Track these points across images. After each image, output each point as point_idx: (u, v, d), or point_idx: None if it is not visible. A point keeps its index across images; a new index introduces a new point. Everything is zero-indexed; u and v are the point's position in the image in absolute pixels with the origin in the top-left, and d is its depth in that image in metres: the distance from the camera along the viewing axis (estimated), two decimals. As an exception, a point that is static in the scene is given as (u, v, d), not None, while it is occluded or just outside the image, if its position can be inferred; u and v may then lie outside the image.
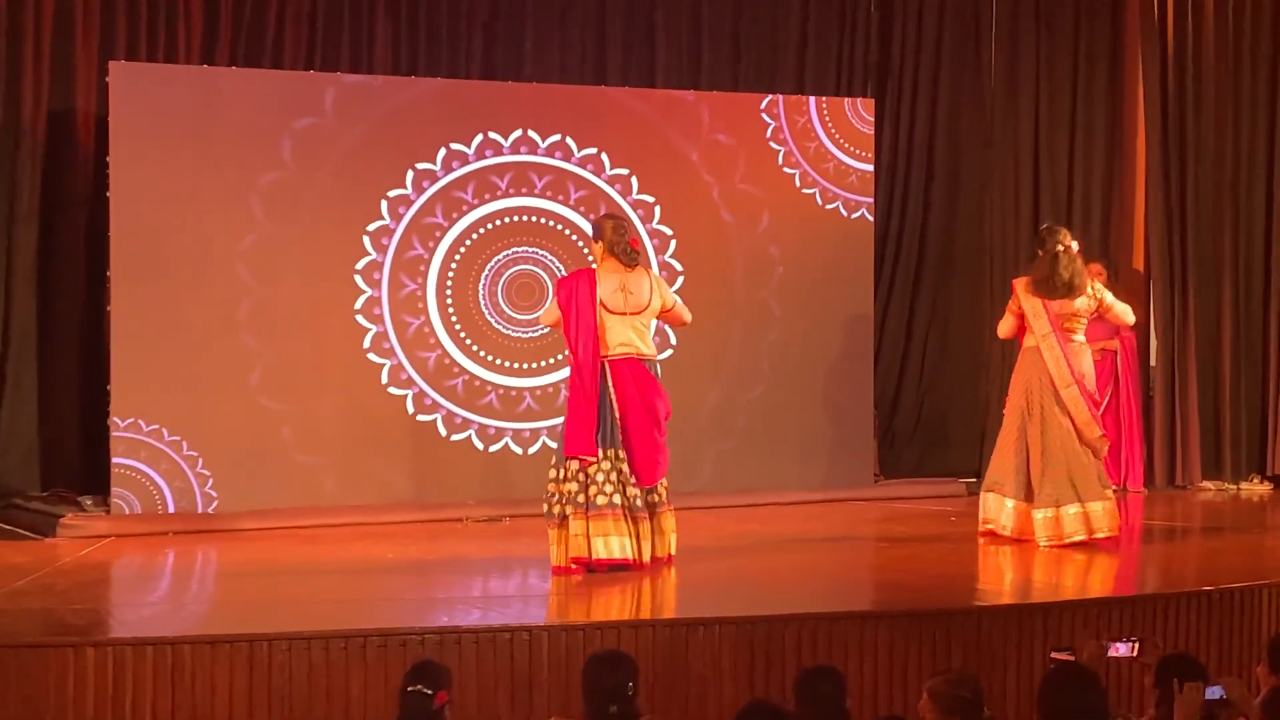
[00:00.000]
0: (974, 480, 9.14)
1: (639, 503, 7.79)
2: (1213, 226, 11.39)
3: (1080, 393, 8.63)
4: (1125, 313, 8.98)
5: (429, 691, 4.96)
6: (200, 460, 9.28)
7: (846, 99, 10.86)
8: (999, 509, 8.71)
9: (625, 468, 7.76)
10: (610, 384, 7.75)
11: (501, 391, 9.97)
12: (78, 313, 9.79)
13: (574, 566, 7.72)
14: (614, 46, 10.97)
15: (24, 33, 9.56)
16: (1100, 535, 8.57)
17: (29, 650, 6.01)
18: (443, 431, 9.86)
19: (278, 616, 6.77)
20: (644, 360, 7.89)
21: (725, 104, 10.52)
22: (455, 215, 9.83)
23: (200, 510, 9.28)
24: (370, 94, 9.69)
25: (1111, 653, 5.44)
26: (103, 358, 9.32)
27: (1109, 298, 8.84)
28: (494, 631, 6.38)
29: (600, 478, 7.75)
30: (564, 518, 7.75)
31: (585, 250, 8.20)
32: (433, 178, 9.78)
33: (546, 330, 9.74)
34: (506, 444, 9.96)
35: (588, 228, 8.22)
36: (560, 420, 8.15)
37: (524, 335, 9.90)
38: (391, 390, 9.74)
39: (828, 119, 10.63)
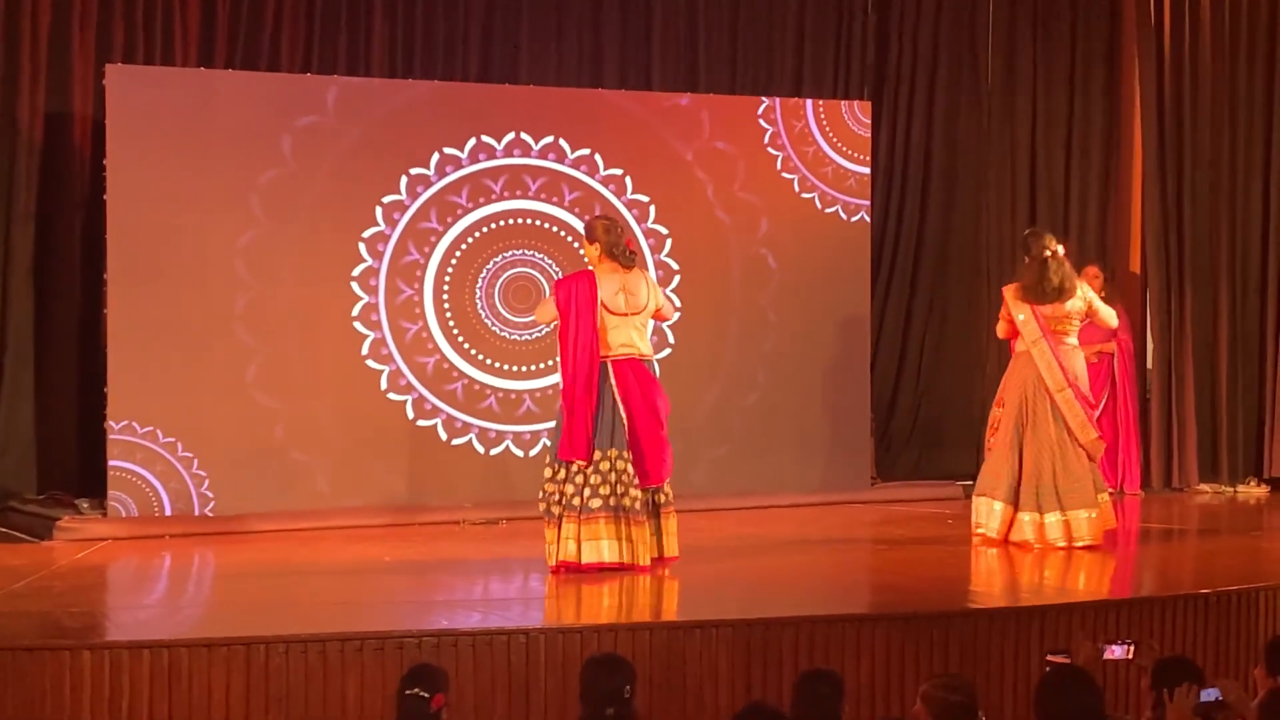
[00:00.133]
0: (970, 483, 9.14)
1: (637, 505, 7.80)
2: (1209, 229, 11.40)
3: (1075, 396, 8.64)
4: (1110, 316, 9.03)
5: (426, 695, 4.96)
6: (195, 461, 9.28)
7: (843, 102, 10.86)
8: (989, 513, 8.73)
9: (629, 468, 7.78)
10: (614, 384, 7.79)
11: (501, 395, 9.97)
12: (75, 315, 9.79)
13: (562, 571, 7.75)
14: (611, 49, 10.97)
15: (21, 35, 9.56)
16: (1081, 544, 8.59)
17: (25, 653, 6.00)
18: (443, 436, 9.86)
19: (275, 619, 6.77)
20: (644, 360, 7.94)
21: (722, 107, 10.51)
22: (450, 220, 9.83)
23: (197, 513, 9.28)
24: (363, 98, 9.68)
25: (1108, 655, 5.44)
26: (99, 360, 9.32)
27: (1096, 300, 8.88)
28: (491, 634, 6.37)
29: (596, 479, 7.76)
30: (560, 518, 7.77)
31: (580, 249, 8.19)
32: (426, 182, 9.78)
33: (544, 332, 9.74)
34: (507, 447, 9.96)
35: (582, 229, 8.23)
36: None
37: (522, 338, 9.90)
38: (391, 396, 9.74)
39: (825, 122, 10.64)
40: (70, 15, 9.69)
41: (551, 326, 8.16)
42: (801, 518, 9.91)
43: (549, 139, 10.01)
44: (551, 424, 8.21)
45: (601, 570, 7.75)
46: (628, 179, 10.19)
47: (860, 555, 8.96)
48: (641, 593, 7.65)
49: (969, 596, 7.78)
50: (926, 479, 11.22)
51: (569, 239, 9.97)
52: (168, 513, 9.22)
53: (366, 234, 9.66)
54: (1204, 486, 11.30)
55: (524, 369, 10.00)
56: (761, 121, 10.51)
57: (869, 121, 10.80)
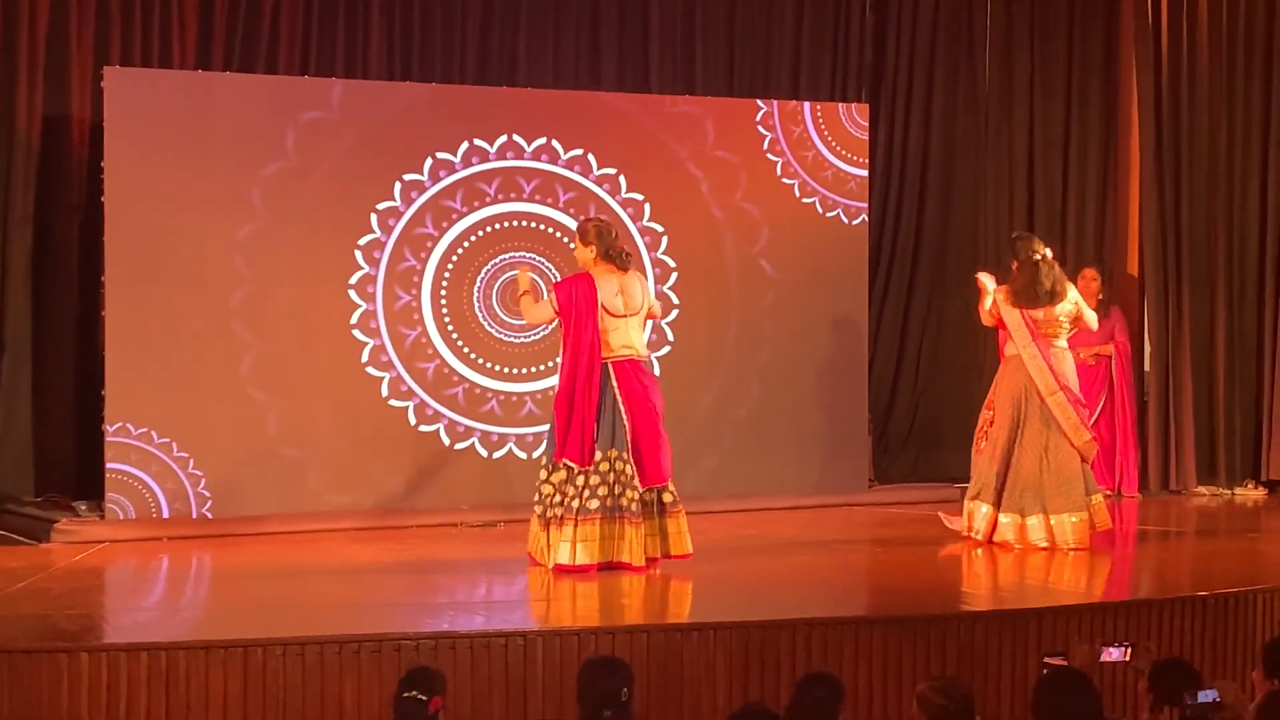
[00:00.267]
0: (968, 486, 9.15)
1: (634, 506, 7.82)
2: (1207, 232, 11.40)
3: (1066, 398, 8.67)
4: (1093, 320, 9.11)
5: (424, 697, 4.96)
6: (191, 461, 9.26)
7: (841, 104, 10.86)
8: (980, 516, 8.76)
9: (627, 469, 7.81)
10: (615, 386, 7.83)
11: (502, 397, 9.97)
12: (72, 317, 9.78)
13: (560, 573, 7.79)
14: (608, 51, 10.96)
15: (18, 38, 9.55)
16: (1067, 547, 8.60)
17: (22, 656, 6.00)
18: (446, 441, 9.85)
19: (272, 621, 6.77)
20: (643, 360, 8.02)
21: (719, 111, 10.49)
22: (445, 224, 9.83)
23: (195, 515, 9.27)
24: (358, 102, 9.62)
25: (1105, 657, 5.44)
26: (97, 362, 9.31)
27: (1083, 303, 8.96)
28: (489, 637, 6.38)
29: (595, 481, 7.80)
30: (560, 519, 7.79)
31: (573, 250, 8.19)
32: (421, 188, 9.77)
33: (543, 334, 9.74)
34: (510, 449, 9.95)
35: (575, 231, 8.24)
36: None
37: (521, 340, 9.89)
38: (393, 403, 9.73)
39: (823, 125, 10.63)
40: (68, 18, 9.68)
41: (551, 327, 8.20)
42: (799, 520, 9.91)
43: (541, 140, 10.00)
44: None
45: (598, 571, 7.78)
46: (621, 178, 10.18)
47: (858, 557, 8.96)
48: (639, 595, 7.65)
49: (966, 599, 7.78)
50: (924, 481, 11.22)
51: (565, 240, 9.96)
52: (165, 515, 9.22)
53: (362, 241, 9.65)
54: (1202, 489, 11.29)
55: (524, 371, 9.99)
56: (760, 128, 10.50)
57: (867, 124, 10.80)
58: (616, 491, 7.81)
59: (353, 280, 9.63)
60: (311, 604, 7.35)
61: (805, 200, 10.62)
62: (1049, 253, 8.83)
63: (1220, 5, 11.37)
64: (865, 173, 10.76)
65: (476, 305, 9.86)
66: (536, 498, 8.00)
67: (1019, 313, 8.71)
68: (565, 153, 10.06)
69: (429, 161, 9.78)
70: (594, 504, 7.78)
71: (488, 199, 9.91)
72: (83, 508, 9.30)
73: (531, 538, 8.03)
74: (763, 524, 9.73)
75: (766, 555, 8.72)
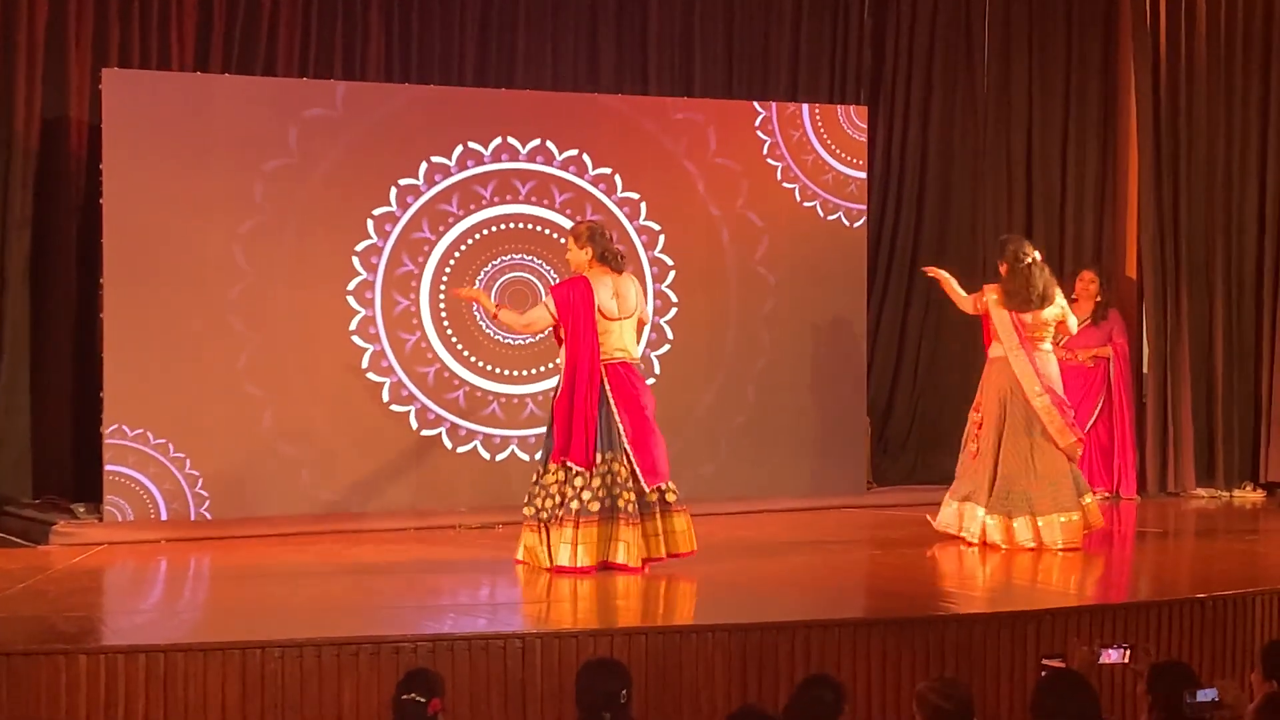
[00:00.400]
0: (952, 485, 9.19)
1: (630, 507, 7.85)
2: (1205, 234, 11.41)
3: (1051, 401, 8.71)
4: (1074, 324, 9.15)
5: (423, 699, 4.96)
6: (188, 461, 9.25)
7: (840, 106, 10.86)
8: (974, 518, 8.78)
9: (622, 471, 7.84)
10: (609, 389, 7.87)
11: (503, 400, 9.97)
12: (71, 319, 9.78)
13: (558, 575, 7.81)
14: (606, 53, 10.96)
15: (17, 40, 9.55)
16: (1054, 548, 8.62)
17: (20, 658, 6.00)
18: (448, 444, 9.85)
19: (271, 624, 6.77)
20: (635, 364, 8.06)
21: (717, 113, 10.48)
22: (442, 228, 9.82)
23: (194, 515, 9.27)
24: (352, 107, 9.60)
25: (1104, 659, 5.45)
26: (96, 364, 9.31)
27: (1068, 307, 9.02)
28: (487, 639, 6.38)
29: (595, 482, 7.82)
30: (560, 521, 7.81)
31: (567, 252, 8.19)
32: (416, 192, 9.76)
33: (543, 336, 9.73)
34: (513, 452, 9.94)
35: (570, 234, 8.25)
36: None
37: (521, 342, 9.88)
38: (394, 408, 9.73)
39: (821, 128, 10.63)
40: (66, 20, 9.68)
41: (546, 333, 8.22)
42: (798, 521, 9.91)
43: (536, 141, 9.99)
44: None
45: (596, 573, 7.80)
46: (617, 177, 10.18)
47: (856, 559, 8.96)
48: (637, 597, 7.66)
49: (965, 601, 7.78)
50: (923, 483, 11.20)
51: (561, 240, 9.95)
52: (164, 517, 9.21)
53: (360, 247, 9.65)
54: (1200, 491, 11.29)
55: (525, 373, 9.99)
56: (759, 133, 10.49)
57: (865, 126, 10.80)
58: (615, 493, 7.86)
59: (351, 286, 9.63)
60: (310, 606, 7.35)
61: (806, 204, 10.62)
62: (1038, 255, 8.86)
63: (1219, 7, 11.38)
64: (862, 174, 10.76)
65: (475, 308, 9.85)
66: (526, 499, 8.01)
67: (1009, 314, 8.74)
68: (560, 154, 10.06)
69: (424, 166, 9.77)
70: (595, 506, 7.83)
71: (484, 202, 9.91)
72: (81, 510, 9.29)
73: (525, 542, 8.03)
74: (761, 526, 9.73)
75: (765, 557, 8.72)
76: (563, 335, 7.99)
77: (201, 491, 9.29)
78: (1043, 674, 5.15)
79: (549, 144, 10.02)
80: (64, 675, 5.97)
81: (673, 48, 11.13)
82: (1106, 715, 5.23)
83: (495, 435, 9.94)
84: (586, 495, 7.83)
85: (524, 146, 9.97)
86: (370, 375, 9.67)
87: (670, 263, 10.32)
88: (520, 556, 8.08)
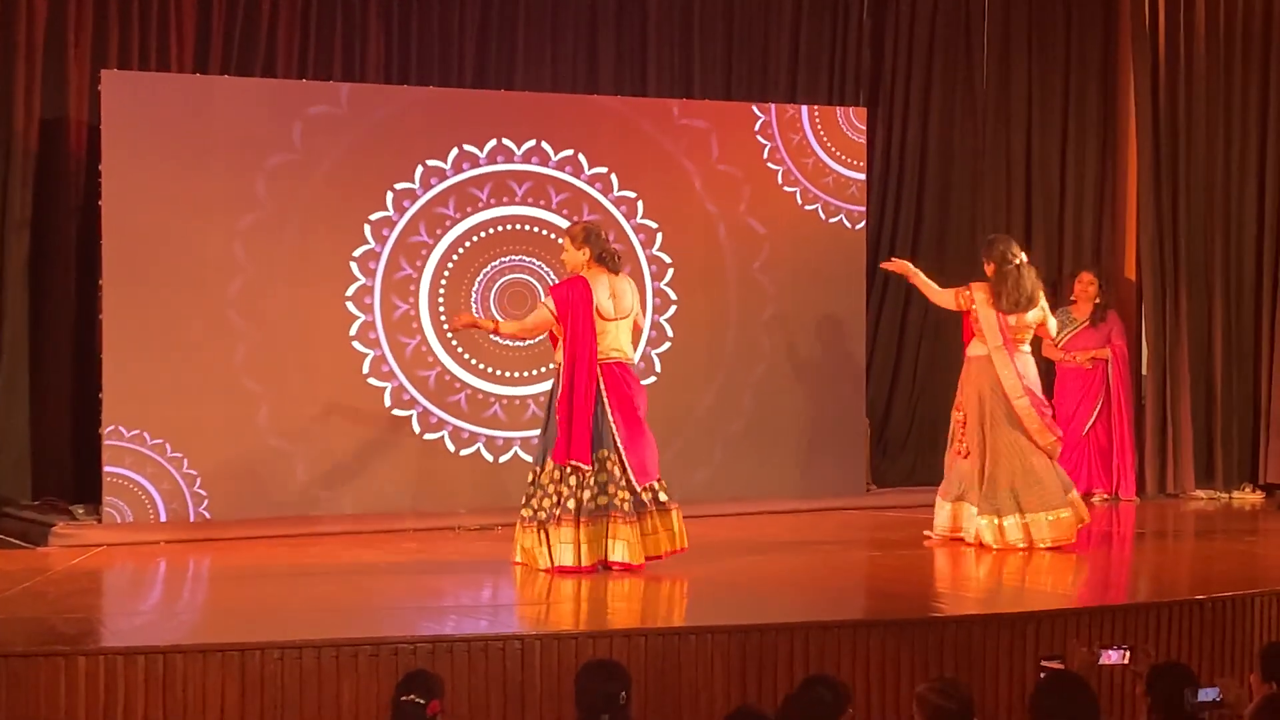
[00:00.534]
0: (942, 486, 9.20)
1: (627, 506, 7.89)
2: (1204, 235, 11.41)
3: (1031, 403, 8.74)
4: (1053, 326, 9.25)
5: (422, 701, 4.96)
6: (185, 461, 9.25)
7: (839, 108, 10.86)
8: (970, 518, 8.81)
9: (616, 470, 7.87)
10: (603, 389, 7.91)
11: (505, 401, 9.97)
12: (70, 320, 9.78)
13: (557, 575, 7.83)
14: (606, 55, 10.96)
15: (16, 41, 9.54)
16: (1042, 545, 8.64)
17: (19, 659, 6.00)
18: (451, 447, 9.85)
19: (270, 625, 6.77)
20: (630, 364, 8.12)
21: (716, 117, 10.47)
22: (439, 232, 9.82)
23: (192, 515, 9.27)
24: (346, 112, 9.57)
25: (1103, 660, 5.45)
26: (95, 365, 9.31)
27: (1048, 310, 9.06)
28: (486, 640, 6.38)
29: (592, 481, 7.87)
30: (559, 520, 7.83)
31: (562, 253, 8.19)
32: (413, 196, 9.76)
33: (542, 337, 9.72)
34: (516, 453, 9.93)
35: (567, 234, 8.25)
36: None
37: (520, 344, 9.88)
38: (396, 412, 9.73)
39: (821, 131, 10.62)
40: (65, 21, 9.68)
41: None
42: (797, 523, 9.91)
43: (531, 142, 9.99)
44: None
45: (595, 572, 7.82)
46: (613, 176, 10.17)
47: (855, 561, 8.96)
48: (637, 598, 7.67)
49: (964, 602, 7.78)
50: (922, 484, 11.18)
51: (559, 241, 9.94)
52: (163, 518, 9.21)
53: (357, 252, 9.65)
54: (1199, 492, 11.29)
55: (526, 374, 9.98)
56: (759, 138, 10.49)
57: (864, 127, 10.80)
58: (610, 492, 7.90)
59: (349, 292, 9.63)
60: (309, 607, 7.34)
61: (808, 207, 10.61)
62: (1025, 256, 8.90)
63: (1218, 8, 11.38)
64: (861, 176, 10.76)
65: (475, 310, 9.85)
66: (525, 501, 8.02)
67: (995, 315, 8.77)
68: (555, 154, 10.05)
69: (420, 169, 9.77)
70: (591, 505, 7.88)
71: (480, 204, 9.90)
72: (80, 511, 9.29)
73: (523, 543, 8.04)
74: (760, 527, 9.73)
75: (764, 558, 8.72)
76: (559, 335, 8.01)
77: (200, 490, 9.29)
78: (1042, 675, 5.15)
79: (544, 145, 10.01)
80: (63, 677, 5.97)
81: (672, 49, 11.13)
82: (1105, 717, 5.23)
83: (498, 437, 9.94)
84: (585, 494, 7.88)
85: (519, 148, 9.97)
86: (371, 381, 9.67)
87: (668, 260, 10.32)
88: (518, 558, 8.09)
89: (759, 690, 6.44)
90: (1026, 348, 8.91)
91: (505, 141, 9.93)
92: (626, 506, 7.90)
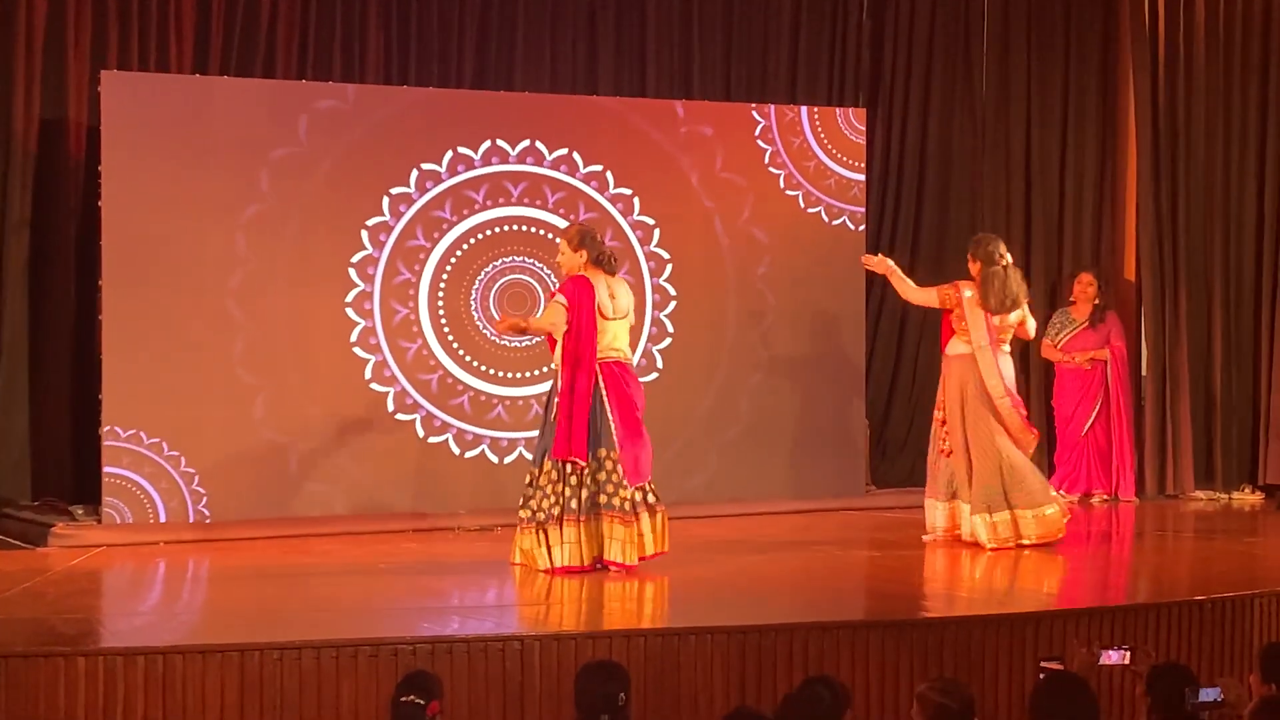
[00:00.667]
0: (928, 487, 9.22)
1: (626, 505, 7.90)
2: (1204, 236, 11.41)
3: (1013, 404, 8.84)
4: (1032, 327, 9.19)
5: (421, 701, 4.96)
6: (183, 459, 9.24)
7: (838, 109, 10.85)
8: (964, 516, 8.84)
9: (617, 469, 7.88)
10: (603, 387, 7.92)
11: (508, 402, 9.96)
12: (69, 321, 9.78)
13: (557, 575, 7.85)
14: (605, 56, 10.95)
15: (15, 42, 9.54)
16: (1027, 542, 8.68)
17: (20, 660, 6.00)
18: (456, 450, 9.85)
19: (269, 626, 6.77)
20: (629, 363, 8.15)
21: (715, 119, 10.47)
22: (437, 235, 9.81)
23: (191, 515, 9.27)
24: (344, 111, 9.61)
25: (1104, 660, 5.44)
26: (94, 366, 9.31)
27: (1028, 311, 9.08)
28: (486, 641, 6.38)
29: (589, 480, 7.89)
30: (559, 521, 7.84)
31: (558, 254, 8.19)
32: (409, 200, 9.75)
33: (543, 337, 9.72)
34: (520, 454, 9.92)
35: (564, 236, 8.25)
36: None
37: (522, 344, 9.88)
38: (400, 417, 9.73)
39: (821, 133, 10.62)
40: (65, 22, 9.68)
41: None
42: (797, 524, 9.91)
43: (525, 143, 9.98)
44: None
45: (593, 571, 7.84)
46: (609, 174, 10.16)
47: (855, 561, 8.96)
48: (636, 599, 7.67)
49: (964, 603, 7.79)
50: (921, 485, 11.13)
51: (556, 240, 9.94)
52: (162, 519, 9.21)
53: (356, 258, 9.64)
54: (1198, 493, 11.29)
55: (527, 374, 9.97)
56: (760, 142, 10.48)
57: (864, 129, 10.80)
58: (609, 491, 7.92)
59: (349, 298, 9.62)
60: (309, 607, 7.35)
61: (810, 210, 10.61)
62: (1010, 257, 8.95)
63: (1217, 9, 11.38)
64: (861, 177, 10.76)
65: (474, 312, 9.85)
66: (523, 503, 8.03)
67: (983, 314, 8.81)
68: (550, 154, 10.05)
69: (415, 173, 9.76)
70: (590, 504, 7.89)
71: (477, 206, 9.90)
72: (80, 511, 9.29)
73: (522, 544, 8.04)
74: (760, 528, 9.73)
75: (764, 559, 8.72)
76: (557, 335, 8.02)
77: (199, 488, 9.28)
78: (1041, 676, 5.15)
79: (538, 144, 10.01)
80: (63, 677, 5.97)
81: (671, 50, 11.13)
82: (1105, 717, 5.23)
83: (502, 438, 9.94)
84: (584, 493, 7.90)
85: (514, 148, 9.96)
86: (374, 386, 9.66)
87: (667, 256, 10.31)
88: (516, 559, 8.09)
89: (758, 691, 6.43)
90: (1007, 348, 8.96)
91: (500, 143, 9.93)
92: (625, 506, 7.91)
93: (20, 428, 9.63)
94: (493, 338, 9.91)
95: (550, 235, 9.94)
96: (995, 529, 8.73)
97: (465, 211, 9.88)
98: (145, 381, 9.19)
